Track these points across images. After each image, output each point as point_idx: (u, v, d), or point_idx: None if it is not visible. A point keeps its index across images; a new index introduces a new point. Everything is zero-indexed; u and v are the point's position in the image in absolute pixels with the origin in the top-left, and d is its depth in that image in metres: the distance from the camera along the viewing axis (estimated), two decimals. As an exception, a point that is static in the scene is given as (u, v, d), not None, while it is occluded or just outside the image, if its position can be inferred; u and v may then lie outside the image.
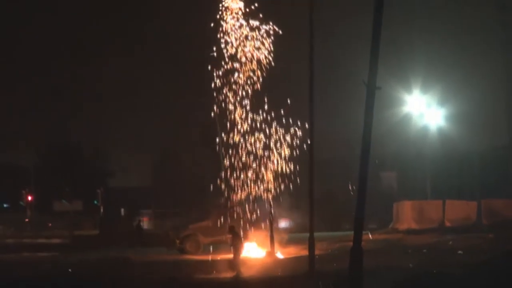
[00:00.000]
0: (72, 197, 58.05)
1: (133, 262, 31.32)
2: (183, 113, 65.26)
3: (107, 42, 77.74)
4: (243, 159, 32.19)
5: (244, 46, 32.26)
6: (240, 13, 32.27)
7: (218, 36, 32.10)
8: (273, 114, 32.06)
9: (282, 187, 32.24)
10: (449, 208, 46.06)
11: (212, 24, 32.02)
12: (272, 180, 32.10)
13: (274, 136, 32.14)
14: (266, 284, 23.12)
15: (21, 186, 68.93)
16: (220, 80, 32.15)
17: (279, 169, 32.11)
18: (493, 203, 45.74)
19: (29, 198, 66.67)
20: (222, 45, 32.17)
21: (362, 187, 15.42)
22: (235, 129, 32.22)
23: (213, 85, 32.19)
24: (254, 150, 32.23)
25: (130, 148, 76.74)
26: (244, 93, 32.19)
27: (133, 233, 43.45)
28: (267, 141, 32.20)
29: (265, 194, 32.15)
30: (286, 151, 32.12)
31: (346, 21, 62.11)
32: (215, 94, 32.38)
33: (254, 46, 32.27)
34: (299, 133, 31.79)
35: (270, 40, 32.19)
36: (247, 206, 33.21)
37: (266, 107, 32.05)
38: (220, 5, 32.26)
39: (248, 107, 32.21)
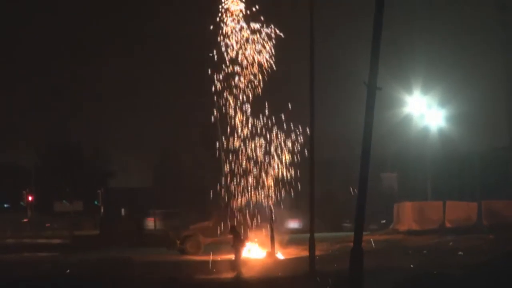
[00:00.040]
0: (73, 197, 58.08)
1: (134, 262, 31.29)
2: (183, 113, 65.31)
3: (107, 42, 77.80)
4: (243, 164, 31.96)
5: (245, 49, 32.02)
6: (240, 15, 32.02)
7: (219, 39, 31.85)
8: (273, 119, 31.84)
9: (283, 193, 32.09)
10: (450, 209, 46.03)
11: (211, 27, 31.73)
12: (272, 186, 31.93)
13: (275, 142, 31.91)
14: (266, 285, 23.11)
15: (21, 186, 68.92)
16: (220, 84, 31.91)
17: (280, 174, 31.91)
18: (494, 204, 45.70)
19: (30, 198, 66.67)
20: (223, 48, 31.90)
21: (363, 187, 15.39)
22: (235, 134, 32.02)
23: (213, 88, 31.97)
24: (254, 156, 32.01)
25: (130, 148, 76.81)
26: (244, 98, 31.95)
27: (134, 233, 43.46)
28: (268, 147, 31.96)
29: (266, 200, 31.97)
30: (287, 157, 31.90)
31: (347, 22, 62.16)
32: (215, 98, 32.17)
33: (255, 49, 32.04)
34: (300, 139, 31.54)
35: (272, 44, 31.93)
36: (247, 212, 33.07)
37: (266, 112, 31.79)
38: (220, 6, 32.02)
39: (248, 112, 31.96)
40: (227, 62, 31.90)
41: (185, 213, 54.24)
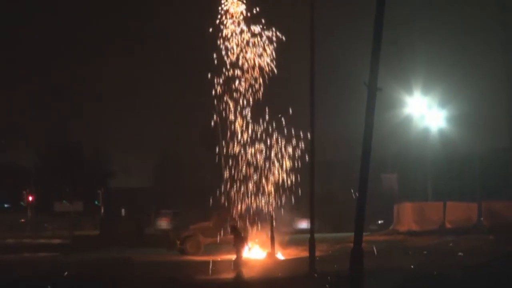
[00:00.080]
0: (73, 197, 58.09)
1: (134, 262, 31.29)
2: (183, 113, 65.34)
3: (107, 42, 77.82)
4: (244, 170, 31.74)
5: (246, 52, 31.62)
6: (241, 17, 31.69)
7: (218, 42, 31.53)
8: (274, 124, 31.53)
9: (283, 198, 31.94)
10: (450, 209, 46.03)
11: (211, 29, 31.38)
12: (273, 192, 31.77)
13: (275, 148, 31.70)
14: (266, 285, 23.10)
15: (21, 186, 68.91)
16: (220, 87, 31.61)
17: (280, 180, 31.70)
18: (494, 205, 45.69)
19: (30, 198, 66.68)
20: (223, 52, 31.57)
21: (363, 188, 15.38)
22: (236, 140, 31.73)
23: (213, 92, 31.66)
24: (254, 162, 31.75)
25: (130, 148, 76.84)
26: (245, 102, 31.64)
27: (134, 234, 43.45)
28: (268, 152, 31.70)
29: (266, 207, 31.82)
30: (287, 163, 31.67)
31: (347, 22, 62.17)
32: (215, 102, 31.90)
33: (256, 52, 31.72)
34: (301, 144, 31.28)
35: (273, 47, 31.60)
36: (247, 218, 32.90)
37: (267, 117, 31.49)
38: (220, 8, 31.72)
39: (249, 117, 31.63)
40: (228, 66, 31.60)
41: (192, 213, 54.24)
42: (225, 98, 31.64)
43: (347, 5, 61.67)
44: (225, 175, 32.06)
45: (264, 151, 31.71)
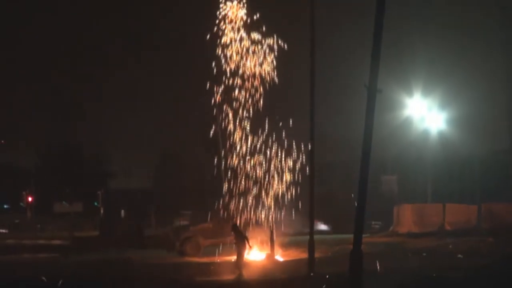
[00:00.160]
0: (73, 198, 58.05)
1: (134, 263, 31.30)
2: (183, 113, 65.35)
3: (107, 42, 77.91)
4: (243, 184, 31.26)
5: (246, 59, 30.90)
6: (241, 23, 31.04)
7: (217, 51, 30.78)
8: (274, 136, 30.97)
9: (283, 211, 31.75)
10: (449, 211, 46.05)
11: (208, 36, 30.63)
12: (273, 205, 31.58)
13: (275, 160, 31.22)
14: (265, 286, 23.12)
15: (21, 187, 68.92)
16: (220, 97, 30.89)
17: (280, 193, 31.44)
18: (494, 207, 45.70)
19: (29, 199, 66.68)
20: (222, 60, 30.81)
21: (363, 189, 15.40)
22: (234, 152, 31.27)
23: (213, 101, 31.06)
24: (254, 175, 31.29)
25: (130, 148, 76.93)
26: (245, 112, 31.02)
27: (133, 235, 43.41)
28: (267, 165, 31.22)
29: (266, 222, 31.63)
30: (287, 176, 31.34)
31: (347, 22, 62.21)
32: (215, 112, 31.38)
33: (257, 61, 31.07)
34: (301, 157, 30.66)
35: (273, 55, 30.90)
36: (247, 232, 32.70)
37: (266, 128, 30.92)
38: (218, 12, 30.99)
39: (248, 129, 31.05)
40: (228, 74, 30.95)
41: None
42: (224, 108, 31.23)
43: (347, 6, 61.73)
44: (224, 188, 31.77)
45: (263, 164, 31.34)
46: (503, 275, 20.38)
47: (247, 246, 26.34)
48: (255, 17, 31.01)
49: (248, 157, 31.22)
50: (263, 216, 31.67)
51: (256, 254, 32.12)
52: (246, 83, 31.23)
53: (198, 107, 47.02)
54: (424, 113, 53.34)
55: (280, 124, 30.92)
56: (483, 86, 62.65)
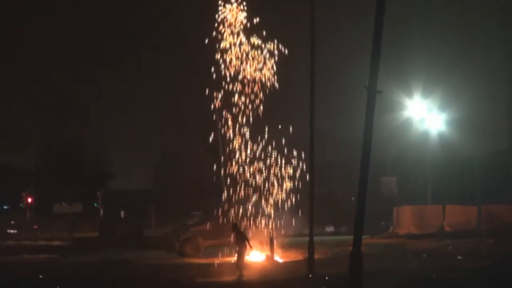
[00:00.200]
0: (72, 199, 57.99)
1: (134, 264, 31.29)
2: (183, 114, 65.34)
3: (107, 43, 77.93)
4: (242, 191, 30.98)
5: (246, 64, 30.64)
6: (241, 27, 30.75)
7: (217, 56, 30.51)
8: (273, 144, 30.75)
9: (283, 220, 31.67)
10: (449, 213, 46.01)
11: (206, 41, 30.33)
12: (272, 213, 31.48)
13: (274, 168, 30.91)
14: (265, 287, 23.12)
15: (21, 187, 68.87)
16: (219, 102, 30.55)
17: (280, 201, 31.30)
18: (494, 208, 45.66)
19: (29, 200, 66.61)
20: (222, 66, 30.51)
21: (362, 190, 15.39)
22: (234, 160, 30.95)
23: (212, 107, 30.72)
24: (254, 182, 31.01)
25: (130, 148, 76.95)
26: (244, 119, 30.75)
27: (133, 236, 43.39)
28: (267, 173, 30.97)
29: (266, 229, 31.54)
30: (287, 183, 31.19)
31: (347, 23, 62.21)
32: (214, 117, 30.98)
33: (257, 66, 30.81)
34: (301, 164, 30.45)
35: (274, 60, 30.63)
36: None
37: (266, 135, 30.68)
38: (216, 15, 30.64)
39: (247, 136, 30.74)
40: (227, 79, 30.67)
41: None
42: (224, 113, 30.96)
43: (347, 6, 61.73)
44: (224, 196, 31.63)
45: (263, 171, 31.08)
46: (503, 276, 20.36)
47: (247, 247, 26.25)
48: (255, 21, 30.71)
49: (247, 164, 31.06)
50: (263, 224, 31.57)
51: (255, 255, 32.12)
52: (246, 88, 30.99)
53: (198, 107, 46.97)
54: (424, 114, 53.32)
55: (280, 126, 30.81)
56: (483, 87, 62.67)
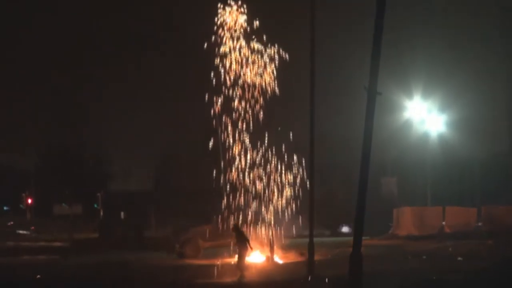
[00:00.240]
0: (72, 200, 58.00)
1: (134, 265, 31.28)
2: (183, 114, 65.25)
3: (107, 43, 77.83)
4: (242, 199, 30.85)
5: (246, 69, 30.42)
6: (241, 30, 30.56)
7: (216, 61, 30.31)
8: (274, 150, 30.56)
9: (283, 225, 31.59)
10: (449, 214, 46.05)
11: (205, 45, 30.05)
12: (272, 220, 31.39)
13: (275, 175, 30.77)
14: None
15: (21, 188, 68.84)
16: (219, 107, 30.34)
17: (280, 208, 31.20)
18: (494, 210, 45.70)
19: (29, 201, 66.60)
20: (222, 70, 30.34)
21: (362, 191, 15.37)
22: (233, 166, 30.80)
23: (212, 112, 30.52)
24: (253, 190, 30.88)
25: (131, 149, 76.79)
26: (244, 125, 30.59)
27: (133, 237, 43.40)
28: (267, 179, 30.80)
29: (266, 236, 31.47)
30: (287, 190, 31.08)
31: (347, 23, 62.14)
32: (214, 123, 30.75)
33: (257, 71, 30.60)
34: (302, 173, 30.27)
35: (274, 65, 30.43)
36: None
37: (266, 142, 30.50)
38: (216, 18, 30.45)
39: (247, 142, 30.56)
40: (227, 84, 30.46)
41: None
42: (223, 119, 30.68)
43: (347, 6, 61.63)
44: (223, 203, 31.53)
45: (263, 178, 30.92)
46: (503, 277, 20.35)
47: (248, 247, 26.15)
48: (255, 25, 30.46)
49: (247, 171, 30.91)
50: (263, 231, 31.47)
51: (255, 256, 32.11)
52: (246, 93, 30.79)
53: (198, 108, 46.89)
54: (424, 116, 53.39)
55: (279, 128, 30.69)
56: (483, 88, 62.64)
